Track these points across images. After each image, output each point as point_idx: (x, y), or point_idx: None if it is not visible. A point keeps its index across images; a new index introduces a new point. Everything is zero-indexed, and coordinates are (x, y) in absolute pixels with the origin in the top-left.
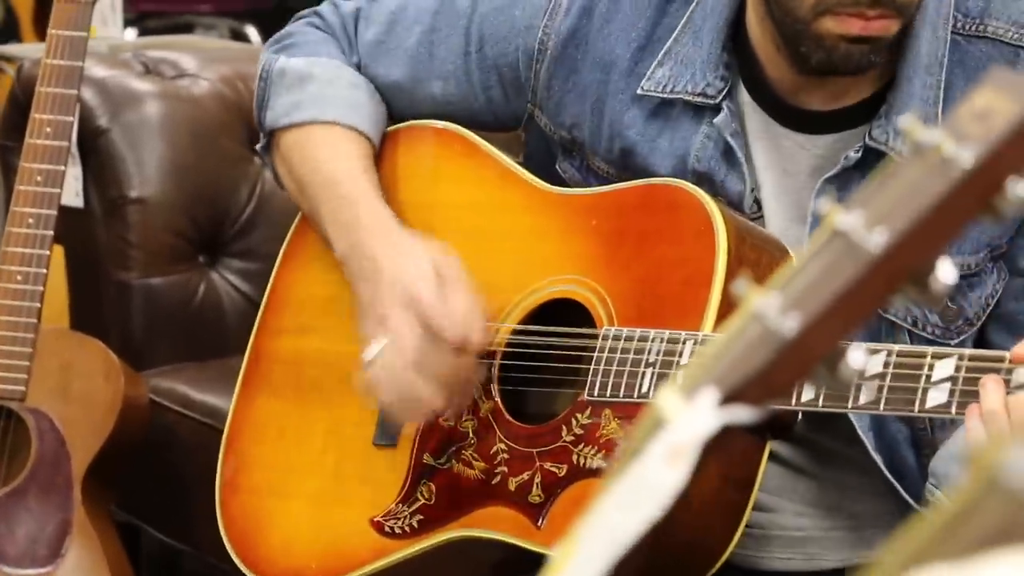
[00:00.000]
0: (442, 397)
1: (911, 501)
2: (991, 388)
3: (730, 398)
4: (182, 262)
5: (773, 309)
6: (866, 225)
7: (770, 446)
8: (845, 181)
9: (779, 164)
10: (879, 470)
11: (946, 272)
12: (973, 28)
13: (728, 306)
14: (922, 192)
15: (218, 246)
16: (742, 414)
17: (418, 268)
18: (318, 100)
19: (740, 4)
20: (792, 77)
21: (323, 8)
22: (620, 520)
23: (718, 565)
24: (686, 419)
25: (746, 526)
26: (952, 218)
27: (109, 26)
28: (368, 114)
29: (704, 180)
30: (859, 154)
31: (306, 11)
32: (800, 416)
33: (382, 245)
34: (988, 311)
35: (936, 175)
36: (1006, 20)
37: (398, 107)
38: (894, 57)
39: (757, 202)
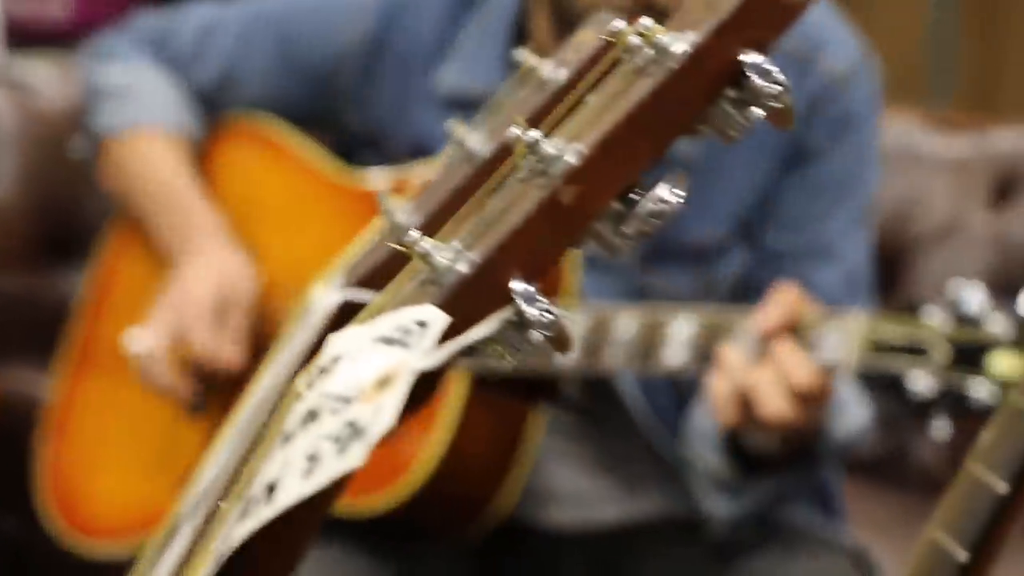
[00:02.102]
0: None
1: (674, 460)
2: (727, 351)
3: (356, 284)
4: (31, 265)
5: (402, 213)
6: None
7: (550, 414)
8: None
9: None
10: (647, 433)
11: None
12: None
13: None
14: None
15: (68, 250)
16: (360, 295)
17: (209, 284)
18: (142, 107)
19: (526, 3)
20: None
21: (140, 20)
22: (268, 382)
23: (487, 518)
24: (318, 300)
25: (526, 487)
26: None
27: None
28: (189, 119)
29: None
30: None
31: (120, 24)
32: (563, 382)
33: (207, 247)
34: (737, 281)
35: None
36: None
37: (215, 109)
38: None
39: None
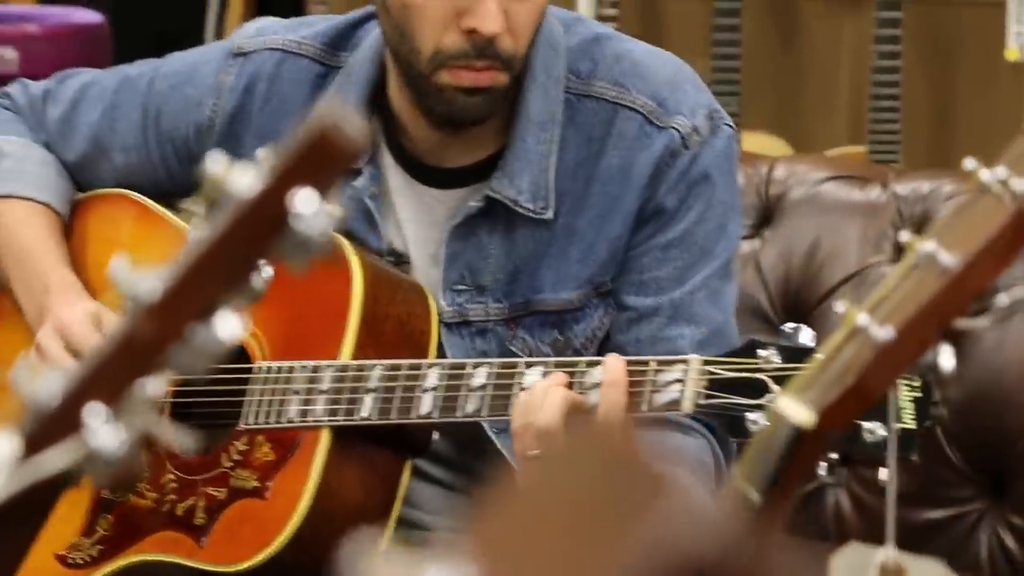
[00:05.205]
0: None
1: None
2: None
3: None
4: None
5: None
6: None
7: (432, 471)
8: (472, 228)
9: (421, 216)
10: None
11: None
12: (583, 88)
13: (364, 334)
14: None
15: None
16: None
17: (82, 311)
18: (11, 177)
19: (382, 73)
20: (429, 135)
21: (12, 89)
22: None
23: None
24: None
25: (407, 544)
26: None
27: None
28: (57, 190)
29: (348, 237)
30: (481, 203)
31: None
32: (437, 436)
33: (65, 304)
34: (598, 342)
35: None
36: (609, 80)
37: (85, 179)
38: (511, 118)
39: (395, 253)
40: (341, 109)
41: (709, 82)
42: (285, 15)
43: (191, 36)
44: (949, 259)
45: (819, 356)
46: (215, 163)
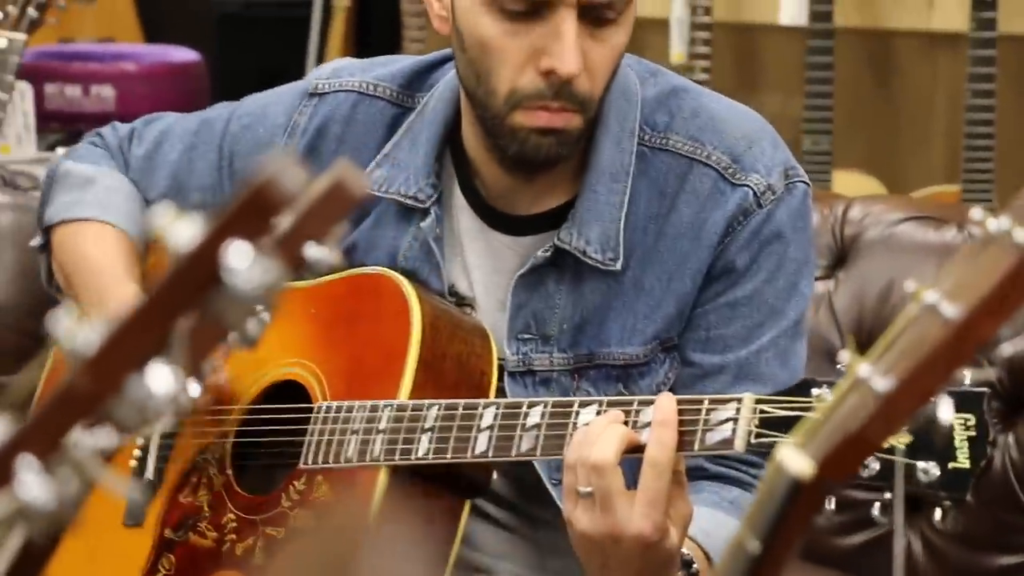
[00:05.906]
0: None
1: None
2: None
3: None
4: (31, 361)
5: None
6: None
7: (492, 512)
8: (540, 277)
9: (489, 261)
10: None
11: None
12: (658, 141)
13: (423, 372)
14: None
15: None
16: None
17: None
18: (98, 203)
19: (457, 115)
20: (501, 180)
21: (104, 129)
22: None
23: None
24: None
25: None
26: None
27: (24, 145)
28: (138, 223)
29: (410, 277)
30: (548, 254)
31: (90, 132)
32: (495, 476)
33: None
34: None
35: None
36: (685, 135)
37: None
38: (583, 169)
39: (457, 295)
40: (282, 160)
41: (802, 120)
42: (382, 52)
43: (292, 72)
44: (951, 310)
45: (822, 406)
46: (160, 214)
